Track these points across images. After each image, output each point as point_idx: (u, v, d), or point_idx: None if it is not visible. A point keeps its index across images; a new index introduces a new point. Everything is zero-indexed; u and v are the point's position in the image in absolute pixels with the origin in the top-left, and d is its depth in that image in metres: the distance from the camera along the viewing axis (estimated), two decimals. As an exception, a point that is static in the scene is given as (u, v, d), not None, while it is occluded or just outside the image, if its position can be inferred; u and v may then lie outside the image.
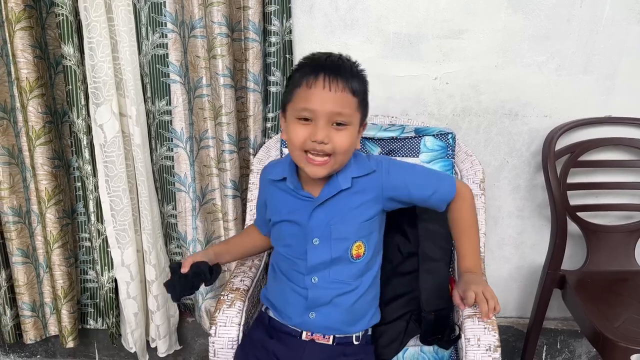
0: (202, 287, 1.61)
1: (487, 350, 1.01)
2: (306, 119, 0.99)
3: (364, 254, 1.06)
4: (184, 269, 1.10)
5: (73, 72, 1.45)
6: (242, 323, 1.11)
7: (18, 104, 1.53)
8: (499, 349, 1.01)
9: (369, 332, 1.13)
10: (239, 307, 1.13)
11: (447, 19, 1.47)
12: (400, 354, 1.19)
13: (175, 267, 1.11)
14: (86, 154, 1.52)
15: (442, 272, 1.20)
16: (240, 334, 1.11)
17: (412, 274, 1.21)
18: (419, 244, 1.21)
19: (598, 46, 1.48)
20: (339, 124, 0.99)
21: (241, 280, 1.21)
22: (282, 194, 1.11)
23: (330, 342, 1.07)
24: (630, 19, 1.45)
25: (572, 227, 1.51)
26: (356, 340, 1.09)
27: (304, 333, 1.09)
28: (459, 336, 1.12)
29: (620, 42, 1.47)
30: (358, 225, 1.05)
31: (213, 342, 1.10)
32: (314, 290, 1.07)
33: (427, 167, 1.15)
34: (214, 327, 1.10)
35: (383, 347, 1.17)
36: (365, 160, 1.10)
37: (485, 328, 1.03)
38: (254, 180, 1.40)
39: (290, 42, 1.49)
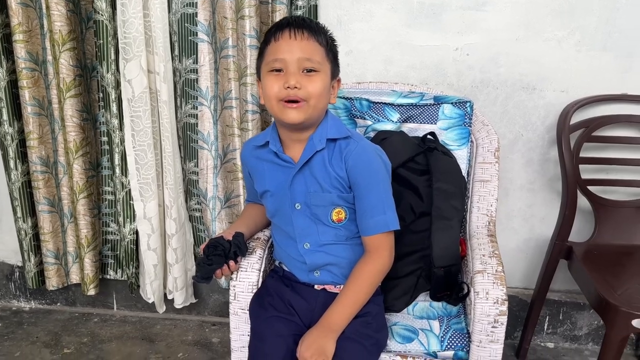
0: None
1: (494, 303, 1.06)
2: (278, 70, 1.04)
3: (345, 218, 1.11)
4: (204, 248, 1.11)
5: (105, 27, 1.50)
6: (261, 269, 1.17)
7: (49, 57, 1.58)
8: (506, 302, 1.06)
9: (379, 284, 1.18)
10: (260, 254, 1.18)
11: (471, -10, 1.50)
12: (410, 307, 1.25)
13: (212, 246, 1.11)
14: (114, 108, 1.57)
15: (454, 231, 1.24)
16: (260, 280, 1.17)
17: (424, 232, 1.25)
18: (432, 204, 1.25)
19: (618, 23, 1.50)
20: (309, 71, 1.04)
21: (262, 231, 1.26)
22: (264, 163, 1.15)
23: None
24: (651, -2, 1.47)
25: (581, 202, 1.55)
26: (365, 294, 1.14)
27: (315, 285, 1.15)
28: (467, 294, 1.18)
29: (639, 22, 1.50)
30: (336, 197, 1.09)
31: (234, 286, 1.15)
32: (309, 256, 1.12)
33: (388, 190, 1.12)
34: (235, 272, 1.16)
35: (394, 299, 1.23)
36: (341, 124, 1.13)
37: (494, 283, 1.08)
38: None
39: (316, 6, 1.52)
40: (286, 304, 1.12)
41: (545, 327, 1.80)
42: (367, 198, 1.08)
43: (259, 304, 1.13)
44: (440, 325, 1.17)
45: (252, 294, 1.15)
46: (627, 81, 1.54)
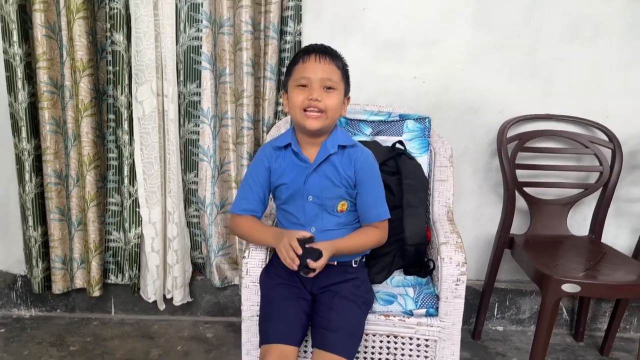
0: (215, 245, 1.91)
1: (457, 265, 1.35)
2: (303, 86, 1.32)
3: (346, 209, 1.40)
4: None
5: (121, 56, 1.76)
6: (269, 249, 1.42)
7: (67, 82, 1.81)
8: (466, 265, 1.35)
9: (364, 260, 1.46)
10: (266, 237, 1.43)
11: (426, 31, 1.87)
12: (388, 280, 1.52)
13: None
14: (125, 125, 1.81)
15: (421, 216, 1.55)
16: (268, 256, 1.41)
17: (396, 221, 1.54)
18: (403, 196, 1.55)
19: (540, 58, 1.90)
20: (328, 88, 1.33)
21: (265, 220, 1.52)
22: (283, 162, 1.41)
23: (335, 264, 1.39)
24: (563, 38, 1.88)
25: (518, 202, 1.90)
26: (354, 264, 1.41)
27: None
28: (434, 268, 1.47)
29: (556, 57, 1.90)
30: (343, 192, 1.38)
31: (246, 262, 1.39)
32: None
33: (382, 191, 1.40)
34: (247, 251, 1.40)
35: (374, 274, 1.50)
36: (348, 135, 1.43)
37: (455, 250, 1.37)
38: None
39: (300, 42, 1.84)
40: (290, 273, 1.37)
41: (495, 312, 2.10)
42: (371, 193, 1.37)
43: (266, 275, 1.38)
44: (414, 291, 1.45)
45: (261, 268, 1.40)
46: (548, 103, 1.93)
